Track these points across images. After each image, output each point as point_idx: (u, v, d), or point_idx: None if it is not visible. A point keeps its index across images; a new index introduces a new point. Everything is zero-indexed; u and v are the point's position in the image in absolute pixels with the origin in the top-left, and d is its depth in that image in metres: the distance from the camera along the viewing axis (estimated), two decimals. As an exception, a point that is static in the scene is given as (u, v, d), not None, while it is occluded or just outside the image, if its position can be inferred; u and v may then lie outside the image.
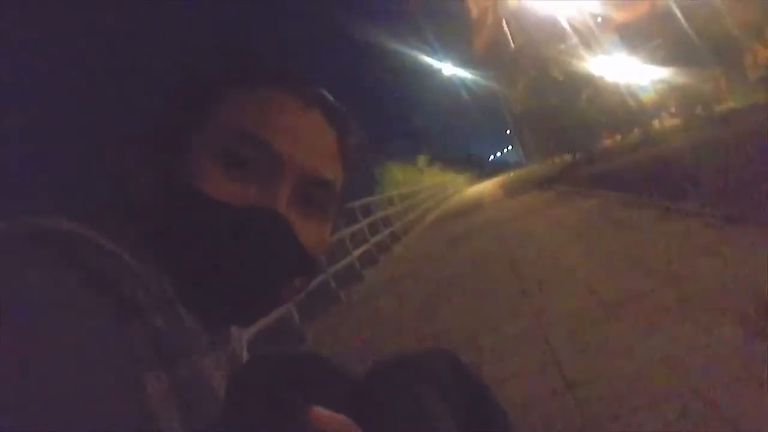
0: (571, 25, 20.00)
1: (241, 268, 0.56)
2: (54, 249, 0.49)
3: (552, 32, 20.45)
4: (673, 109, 18.32)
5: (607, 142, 18.56)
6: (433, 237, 12.32)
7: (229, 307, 0.58)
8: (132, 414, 0.44)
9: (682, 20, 16.48)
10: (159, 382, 0.48)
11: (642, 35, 17.09)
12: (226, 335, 0.66)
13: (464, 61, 35.42)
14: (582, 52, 17.88)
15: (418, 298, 5.69)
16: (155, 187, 0.59)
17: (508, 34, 21.42)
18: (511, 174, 37.47)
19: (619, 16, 19.99)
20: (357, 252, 9.74)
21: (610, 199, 7.79)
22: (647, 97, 16.70)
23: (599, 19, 19.99)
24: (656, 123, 17.57)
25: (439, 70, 37.24)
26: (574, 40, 19.75)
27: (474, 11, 22.35)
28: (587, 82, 16.41)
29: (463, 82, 40.06)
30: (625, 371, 2.30)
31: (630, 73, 16.75)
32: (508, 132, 52.66)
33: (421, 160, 38.92)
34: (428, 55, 39.53)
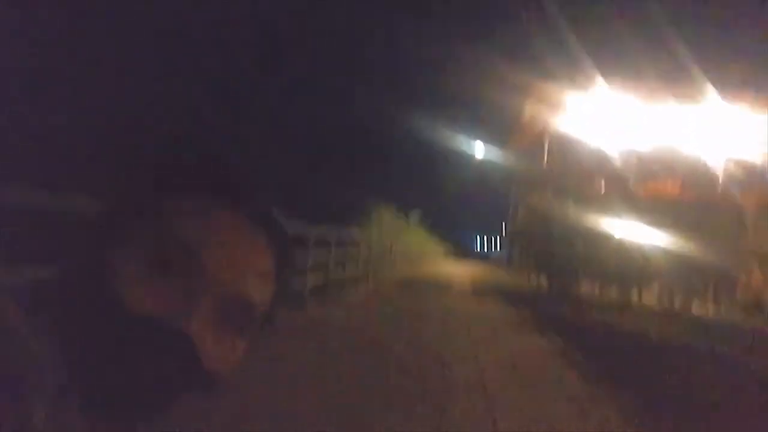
0: (604, 172, 20.42)
1: (136, 376, 0.55)
2: None
3: (584, 170, 20.86)
4: (655, 289, 18.60)
5: (586, 288, 18.78)
6: (388, 299, 12.28)
7: (114, 407, 0.56)
8: None
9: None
10: None
11: (657, 211, 17.50)
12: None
13: (496, 148, 36.06)
14: (603, 200, 18.23)
15: (334, 356, 5.66)
16: (76, 276, 0.58)
17: (546, 150, 21.80)
18: (488, 270, 37.69)
19: (650, 186, 20.46)
20: (312, 277, 9.69)
21: (561, 350, 7.85)
22: (642, 263, 16.97)
23: (631, 180, 20.43)
24: (635, 294, 17.82)
25: (471, 148, 37.79)
26: (602, 186, 20.15)
27: (527, 114, 22.75)
28: (594, 229, 16.70)
29: (489, 165, 40.55)
30: None
31: (634, 235, 17.10)
32: (503, 229, 53.04)
33: (414, 214, 38.98)
34: (462, 133, 40.21)
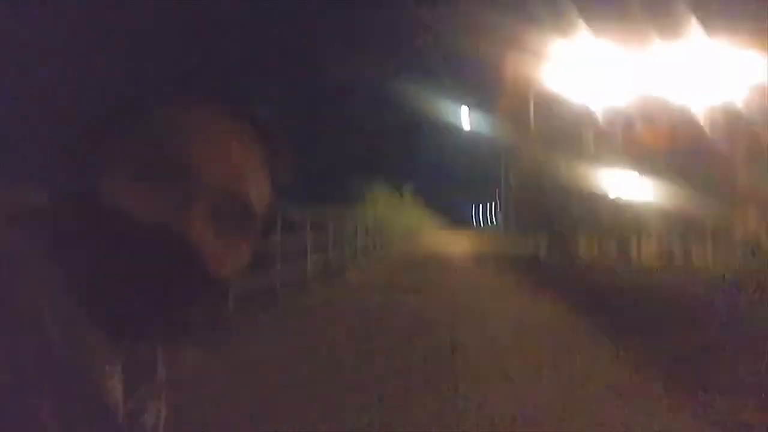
0: (592, 125, 20.35)
1: (141, 285, 0.54)
2: None
3: (572, 125, 20.78)
4: (654, 240, 18.67)
5: (584, 245, 18.86)
6: (388, 274, 12.29)
7: (127, 321, 0.55)
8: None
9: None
10: (43, 398, 0.47)
11: (649, 160, 17.51)
12: (135, 349, 0.63)
13: (483, 114, 35.97)
14: (593, 154, 18.21)
15: (340, 341, 5.63)
16: (66, 194, 0.57)
17: (532, 112, 21.70)
18: (486, 236, 37.90)
19: (640, 136, 20.40)
20: (312, 260, 9.69)
21: (568, 310, 7.88)
22: (640, 215, 17.00)
23: (620, 134, 20.37)
24: (634, 249, 17.87)
25: (457, 115, 37.70)
26: (591, 140, 20.10)
27: (509, 75, 22.61)
28: (587, 186, 16.70)
29: (477, 131, 40.53)
30: None
31: (628, 187, 17.13)
32: (497, 195, 53.14)
33: (408, 189, 39.16)
34: (446, 99, 40.08)
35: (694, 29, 17.36)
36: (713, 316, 6.76)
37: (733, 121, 19.96)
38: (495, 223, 64.12)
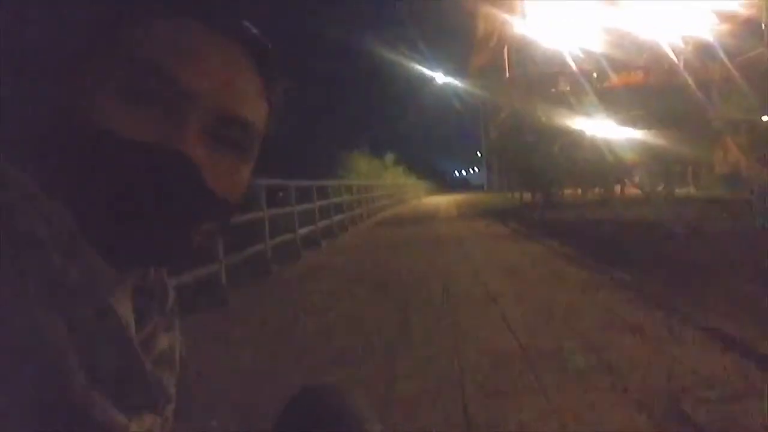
0: (567, 72, 20.35)
1: (142, 208, 0.53)
2: None
3: (547, 74, 20.78)
4: (636, 179, 18.86)
5: (569, 192, 19.02)
6: (381, 237, 12.37)
7: (130, 246, 0.55)
8: (25, 356, 0.44)
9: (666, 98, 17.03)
10: (52, 320, 0.47)
11: (625, 102, 17.58)
12: (142, 274, 0.64)
13: (457, 75, 35.88)
14: (570, 100, 18.24)
15: (340, 299, 5.69)
16: (54, 120, 0.55)
17: (506, 61, 21.63)
18: (471, 195, 38.00)
19: (615, 78, 20.46)
20: (302, 231, 9.73)
21: (554, 251, 7.99)
22: (619, 156, 17.10)
23: (595, 75, 20.40)
24: (617, 188, 18.05)
25: (432, 78, 37.60)
26: (567, 87, 20.12)
27: (480, 29, 22.46)
28: (565, 130, 16.76)
29: (453, 92, 40.50)
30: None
31: (607, 131, 17.20)
32: (478, 154, 53.19)
33: (389, 157, 39.14)
34: (420, 64, 39.99)
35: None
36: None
37: (704, 53, 20.05)
38: (479, 179, 64.12)
